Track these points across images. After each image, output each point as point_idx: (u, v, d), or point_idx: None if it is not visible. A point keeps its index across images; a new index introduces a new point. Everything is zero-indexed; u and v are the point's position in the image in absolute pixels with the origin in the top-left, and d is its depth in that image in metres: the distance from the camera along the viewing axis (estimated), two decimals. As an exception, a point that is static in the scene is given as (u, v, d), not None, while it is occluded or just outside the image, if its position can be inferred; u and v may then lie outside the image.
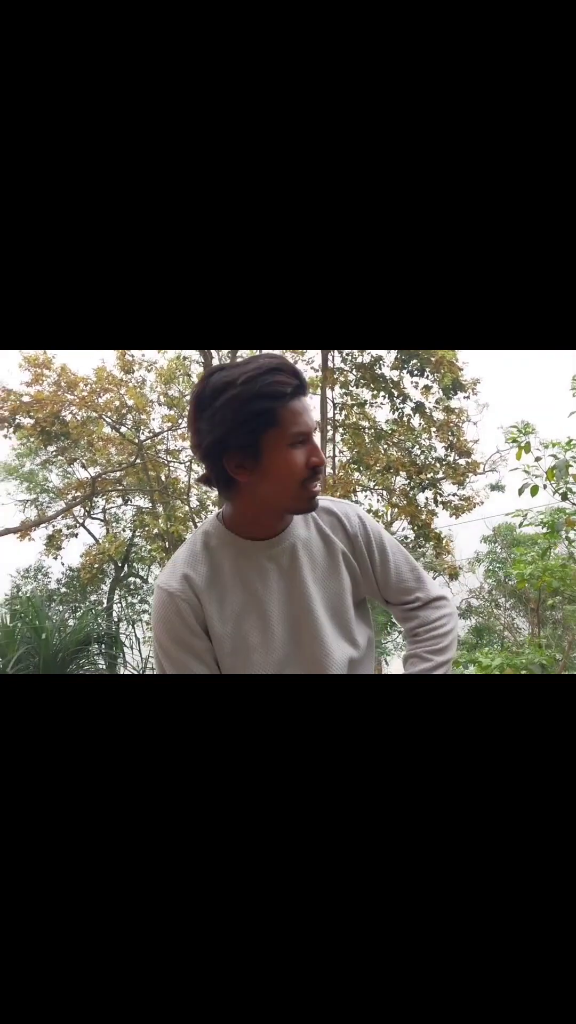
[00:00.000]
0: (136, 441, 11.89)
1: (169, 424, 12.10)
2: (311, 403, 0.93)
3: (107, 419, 11.75)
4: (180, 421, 11.90)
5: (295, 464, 0.88)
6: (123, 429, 11.98)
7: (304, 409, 0.89)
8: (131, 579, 13.15)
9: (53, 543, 11.89)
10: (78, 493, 12.66)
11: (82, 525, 12.70)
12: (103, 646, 7.57)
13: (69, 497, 12.49)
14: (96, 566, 11.65)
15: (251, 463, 0.88)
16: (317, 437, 0.93)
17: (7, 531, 11.02)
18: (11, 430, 11.62)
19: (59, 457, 12.79)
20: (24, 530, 11.81)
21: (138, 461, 11.69)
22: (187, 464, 12.48)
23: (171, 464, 12.48)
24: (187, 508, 11.97)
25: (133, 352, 11.70)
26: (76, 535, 12.36)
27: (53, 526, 12.15)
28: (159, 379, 11.96)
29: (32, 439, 12.80)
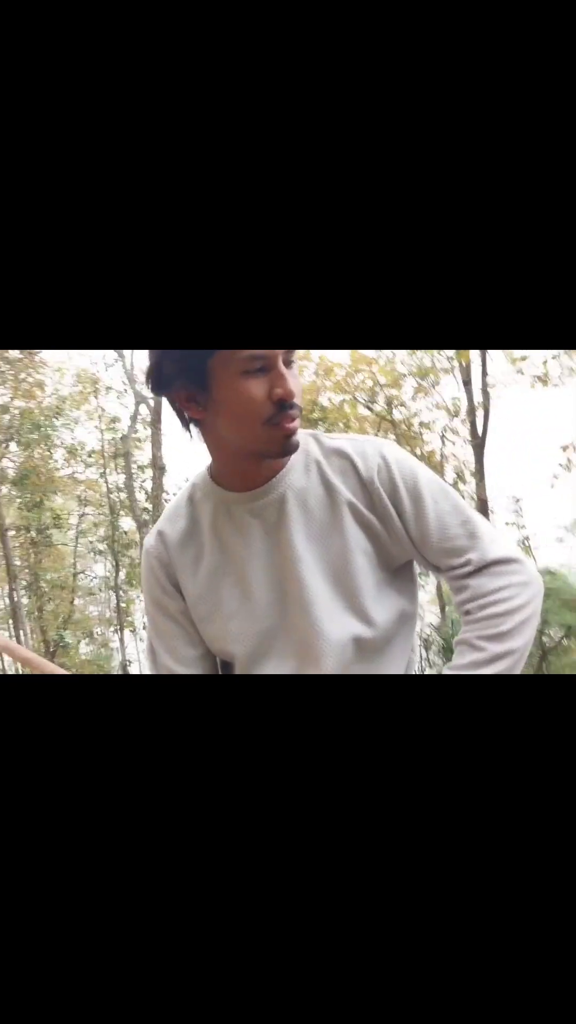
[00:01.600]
0: (389, 418, 11.98)
1: (423, 394, 11.86)
2: None
3: (360, 399, 12.10)
4: (432, 391, 11.55)
5: (251, 397, 0.71)
6: (376, 407, 12.19)
7: None
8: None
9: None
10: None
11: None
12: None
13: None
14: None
15: (202, 396, 0.74)
16: (290, 368, 0.73)
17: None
18: (278, 421, 12.86)
19: (320, 441, 13.69)
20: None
21: (391, 436, 11.77)
22: (441, 435, 12.08)
23: (424, 436, 12.23)
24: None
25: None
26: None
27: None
28: (411, 352, 11.80)
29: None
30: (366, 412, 12.32)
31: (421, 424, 12.37)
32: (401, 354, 11.89)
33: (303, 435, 0.83)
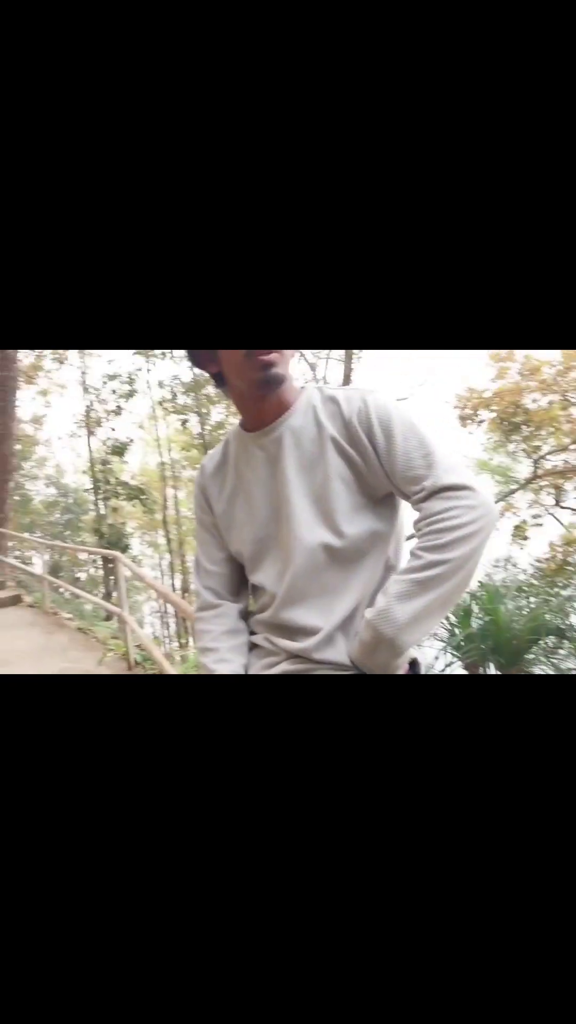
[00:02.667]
0: (607, 418, 10.58)
1: None
2: None
3: (572, 399, 10.91)
4: None
5: None
6: (591, 407, 10.87)
7: None
8: (610, 574, 11.75)
9: (519, 532, 11.88)
10: (545, 481, 12.24)
11: (550, 514, 12.20)
12: (564, 640, 7.11)
13: (536, 485, 12.21)
14: (562, 558, 10.97)
15: (212, 357, 0.94)
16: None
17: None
18: (475, 426, 12.27)
19: (523, 446, 12.69)
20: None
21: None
22: None
23: None
24: None
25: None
26: (541, 524, 11.97)
27: (518, 515, 12.13)
28: None
29: (496, 433, 13.17)
30: (579, 413, 11.05)
31: None
32: (624, 346, 10.43)
33: (310, 387, 1.00)
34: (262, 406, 0.94)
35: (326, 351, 12.49)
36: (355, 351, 10.84)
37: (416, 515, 0.88)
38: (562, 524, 12.27)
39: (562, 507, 12.27)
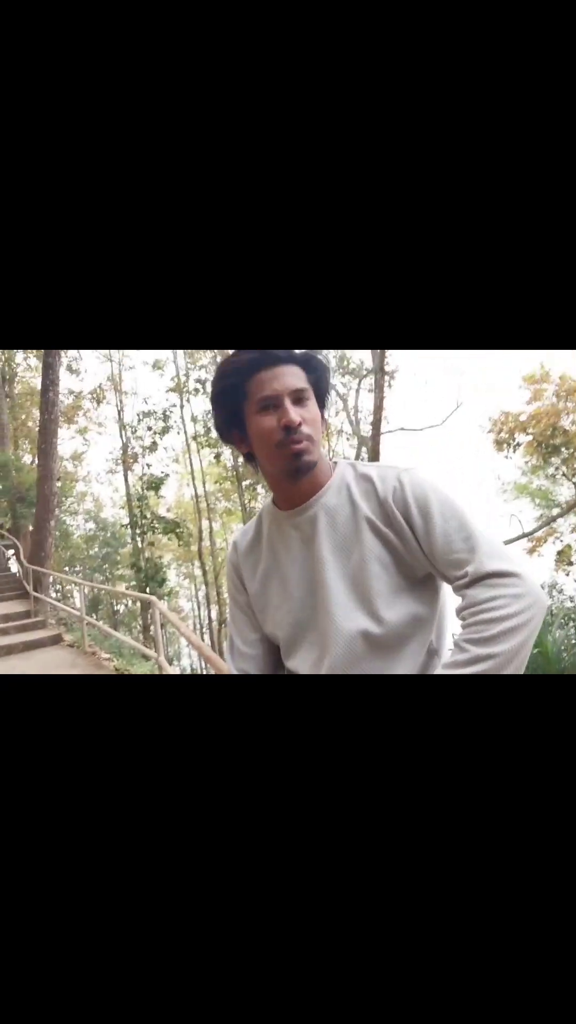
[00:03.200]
0: None
1: None
2: (288, 371, 0.87)
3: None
4: None
5: (265, 427, 0.87)
6: (633, 427, 10.56)
7: (273, 377, 0.86)
8: None
9: (563, 558, 11.48)
10: (588, 505, 11.84)
11: (595, 538, 11.77)
12: (616, 672, 6.77)
13: (578, 509, 11.83)
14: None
15: (243, 437, 0.92)
16: (295, 404, 0.87)
17: (521, 536, 11.34)
18: (511, 450, 12.04)
19: (563, 469, 12.36)
20: (535, 544, 11.89)
21: None
22: None
23: None
24: None
25: None
26: (587, 549, 11.54)
27: (562, 540, 11.76)
28: None
29: (534, 456, 12.88)
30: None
31: None
32: None
33: (343, 464, 0.98)
34: (296, 485, 0.92)
35: (356, 382, 12.54)
36: (385, 383, 10.84)
37: (460, 599, 0.83)
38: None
39: (607, 530, 11.83)
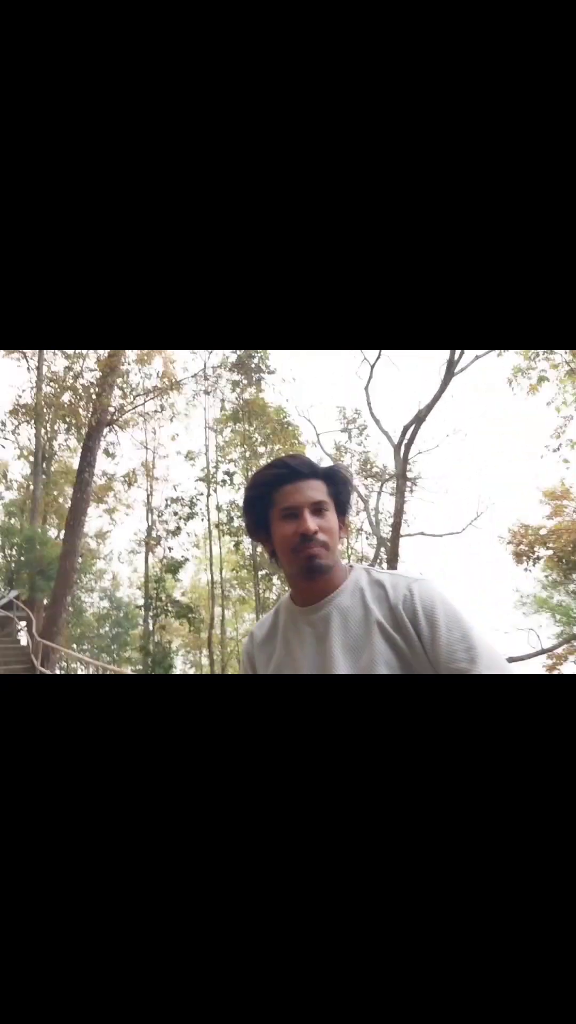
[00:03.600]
0: None
1: None
2: (310, 485, 0.99)
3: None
4: None
5: (286, 533, 0.98)
6: None
7: (296, 490, 0.98)
8: None
9: (585, 680, 11.00)
10: (610, 625, 11.52)
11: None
12: None
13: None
14: None
15: (268, 538, 1.03)
16: (314, 514, 0.98)
17: (540, 652, 10.95)
18: (531, 563, 11.98)
19: (584, 586, 12.17)
20: (555, 661, 11.46)
21: None
22: None
23: None
24: None
25: None
26: (610, 672, 11.08)
27: (583, 661, 11.33)
28: None
29: (555, 571, 12.78)
30: None
31: None
32: None
33: (358, 568, 1.07)
34: (312, 585, 1.01)
35: (379, 484, 12.86)
36: (407, 488, 11.12)
37: None
38: (632, 672, 11.32)
39: (631, 654, 11.41)
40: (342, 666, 0.96)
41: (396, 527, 10.39)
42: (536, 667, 11.16)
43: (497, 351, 9.32)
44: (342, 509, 1.03)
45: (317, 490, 0.97)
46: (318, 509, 0.98)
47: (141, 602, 16.22)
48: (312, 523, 0.97)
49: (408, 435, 10.49)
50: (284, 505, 0.98)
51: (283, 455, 1.08)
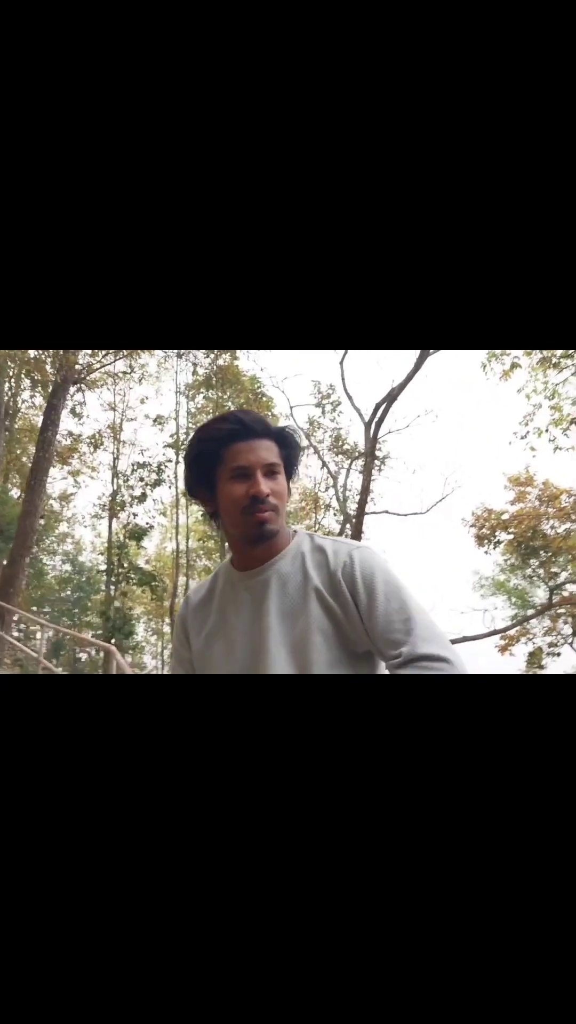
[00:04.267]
0: (626, 552, 10.50)
1: None
2: (263, 445, 0.94)
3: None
4: None
5: (235, 494, 0.93)
6: (610, 540, 10.84)
7: (249, 449, 0.92)
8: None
9: (534, 660, 11.43)
10: (563, 610, 11.95)
11: (569, 644, 11.77)
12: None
13: (554, 613, 11.91)
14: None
15: (211, 497, 0.97)
16: (266, 476, 0.92)
17: (492, 632, 11.31)
18: (491, 546, 12.25)
19: (540, 571, 12.55)
20: (507, 642, 11.84)
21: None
22: None
23: None
24: None
25: (617, 456, 10.72)
26: (559, 654, 11.53)
27: (533, 641, 11.74)
28: None
29: (513, 556, 13.12)
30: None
31: None
32: None
33: (302, 533, 1.02)
34: (254, 550, 0.97)
35: (349, 462, 12.88)
36: (375, 467, 11.15)
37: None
38: (580, 656, 11.80)
39: (579, 638, 11.87)
40: (276, 635, 0.93)
41: (362, 505, 10.44)
42: (489, 647, 11.52)
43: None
44: (290, 473, 0.98)
45: (270, 451, 0.93)
46: (270, 471, 0.94)
47: (104, 567, 16.03)
48: (265, 486, 0.92)
49: (379, 413, 10.47)
50: (235, 464, 0.92)
51: (234, 409, 1.02)
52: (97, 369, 11.61)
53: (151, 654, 21.22)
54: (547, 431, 9.86)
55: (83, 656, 18.18)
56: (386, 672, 0.90)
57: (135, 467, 14.66)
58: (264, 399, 13.00)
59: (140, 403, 18.05)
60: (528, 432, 10.28)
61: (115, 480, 15.16)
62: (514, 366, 9.76)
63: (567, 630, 12.14)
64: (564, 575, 12.00)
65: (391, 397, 10.13)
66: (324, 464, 12.27)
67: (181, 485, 15.54)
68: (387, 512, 11.99)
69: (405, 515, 12.09)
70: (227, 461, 0.93)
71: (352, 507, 11.87)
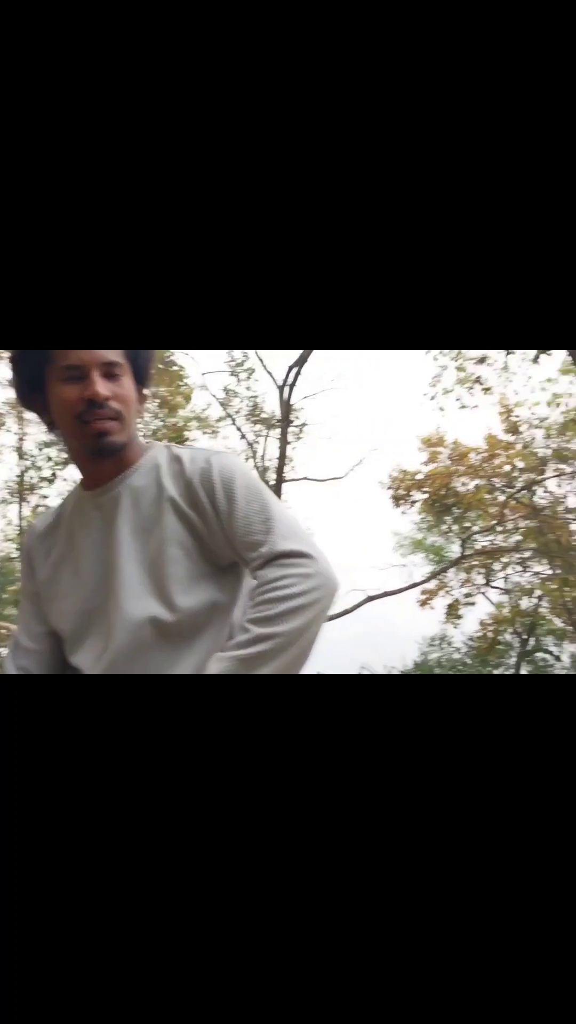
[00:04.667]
0: (529, 502, 11.21)
1: (568, 479, 10.99)
2: None
3: (495, 484, 11.55)
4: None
5: (67, 397, 0.82)
6: (516, 492, 11.52)
7: None
8: (539, 654, 12.03)
9: (452, 611, 12.08)
10: (475, 562, 12.64)
11: (481, 593, 12.51)
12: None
13: (467, 566, 12.58)
14: (493, 636, 11.17)
15: (42, 400, 0.86)
16: (105, 377, 0.82)
17: (411, 586, 11.80)
18: (408, 506, 12.68)
19: (455, 527, 13.18)
20: (427, 596, 12.40)
21: (534, 523, 10.94)
22: (591, 522, 10.97)
23: (571, 525, 11.18)
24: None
25: (519, 413, 11.35)
26: (474, 603, 12.24)
27: (451, 594, 12.38)
28: (549, 435, 11.16)
29: (429, 514, 13.70)
30: (504, 498, 11.68)
31: (568, 510, 11.37)
32: (540, 438, 11.28)
33: (159, 446, 0.93)
34: (100, 464, 0.87)
35: (267, 430, 12.81)
36: (289, 434, 11.16)
37: (254, 580, 0.82)
38: (492, 603, 12.60)
39: (492, 586, 12.65)
40: (128, 552, 0.84)
41: (280, 471, 10.44)
42: (411, 601, 12.04)
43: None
44: (141, 376, 0.87)
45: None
46: (110, 372, 0.82)
47: (16, 555, 15.18)
48: (103, 387, 0.81)
49: (291, 377, 10.43)
50: (67, 362, 0.80)
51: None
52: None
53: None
54: (453, 391, 10.23)
55: (3, 651, 17.32)
56: (253, 583, 0.85)
57: (41, 446, 13.84)
58: (175, 367, 12.59)
59: (43, 379, 16.96)
60: (436, 393, 10.63)
61: (21, 461, 14.25)
62: (420, 328, 9.98)
63: (481, 580, 12.89)
64: (476, 528, 12.67)
65: (301, 360, 10.11)
66: (243, 434, 12.13)
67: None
68: (306, 479, 12.08)
69: (324, 480, 12.23)
70: (57, 359, 0.81)
71: (272, 476, 11.87)
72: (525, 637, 11.81)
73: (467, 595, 12.39)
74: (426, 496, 12.96)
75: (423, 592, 12.65)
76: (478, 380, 9.93)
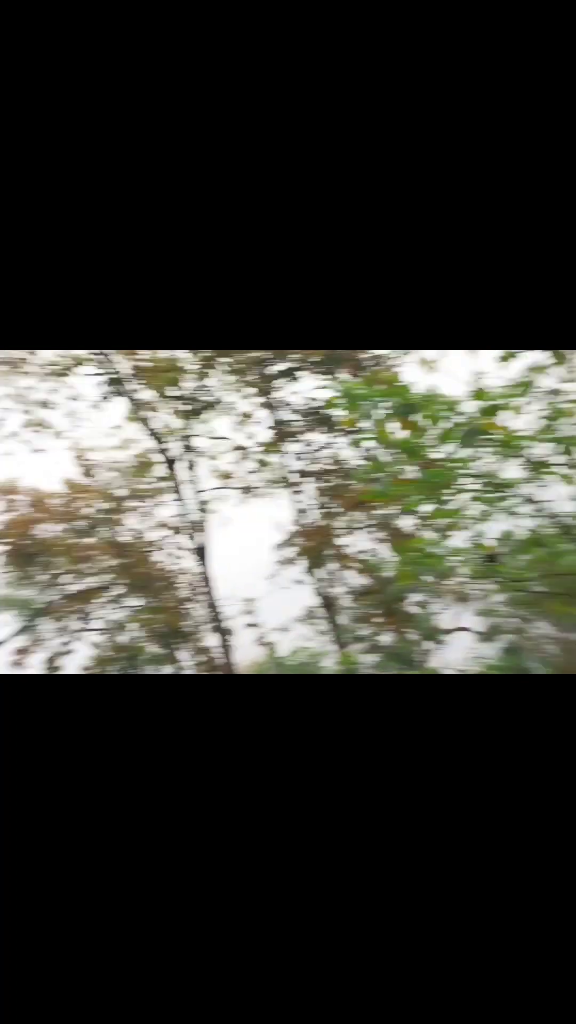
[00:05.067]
0: (114, 541, 11.73)
1: (143, 515, 12.00)
2: None
3: (78, 527, 11.68)
4: (151, 512, 11.79)
5: None
6: (99, 532, 11.87)
7: None
8: (141, 683, 12.56)
9: (51, 666, 11.50)
10: (69, 608, 12.38)
11: (78, 640, 12.30)
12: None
13: (60, 615, 12.19)
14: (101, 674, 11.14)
15: None
16: None
17: None
18: (-10, 561, 11.54)
19: (44, 576, 12.65)
20: (20, 656, 11.46)
21: (121, 560, 11.48)
22: (168, 551, 12.23)
23: (152, 556, 12.24)
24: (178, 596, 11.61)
25: (92, 456, 11.81)
26: (70, 652, 11.96)
27: (48, 647, 11.79)
28: (125, 476, 11.98)
29: (15, 566, 12.76)
30: (90, 540, 11.88)
31: (150, 543, 12.38)
32: (117, 480, 11.99)
33: None
34: None
35: None
36: None
37: None
38: (95, 646, 12.53)
39: (89, 629, 12.60)
40: None
41: None
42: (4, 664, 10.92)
43: None
44: None
45: None
46: None
47: None
48: None
49: None
50: None
51: None
52: None
53: None
54: (19, 434, 9.92)
55: None
56: None
57: None
58: None
59: None
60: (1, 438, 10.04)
61: None
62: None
63: (78, 625, 12.68)
64: (62, 572, 12.45)
65: None
66: None
67: None
68: None
69: None
70: None
71: None
72: (130, 670, 12.21)
73: (64, 644, 12.02)
74: (10, 547, 12.04)
75: (18, 651, 11.66)
76: (41, 424, 9.90)
